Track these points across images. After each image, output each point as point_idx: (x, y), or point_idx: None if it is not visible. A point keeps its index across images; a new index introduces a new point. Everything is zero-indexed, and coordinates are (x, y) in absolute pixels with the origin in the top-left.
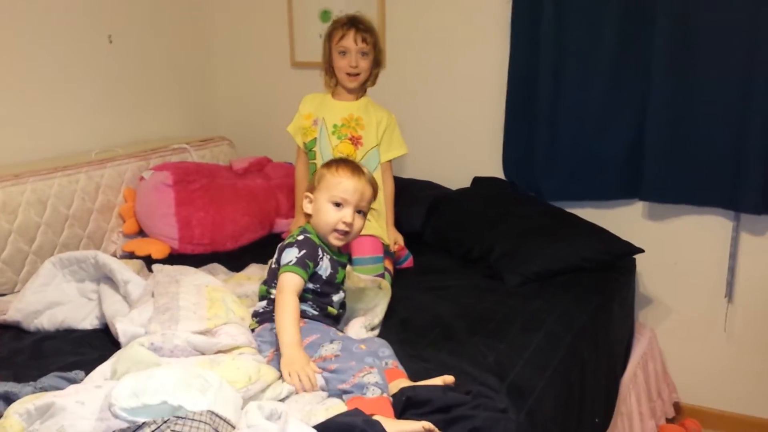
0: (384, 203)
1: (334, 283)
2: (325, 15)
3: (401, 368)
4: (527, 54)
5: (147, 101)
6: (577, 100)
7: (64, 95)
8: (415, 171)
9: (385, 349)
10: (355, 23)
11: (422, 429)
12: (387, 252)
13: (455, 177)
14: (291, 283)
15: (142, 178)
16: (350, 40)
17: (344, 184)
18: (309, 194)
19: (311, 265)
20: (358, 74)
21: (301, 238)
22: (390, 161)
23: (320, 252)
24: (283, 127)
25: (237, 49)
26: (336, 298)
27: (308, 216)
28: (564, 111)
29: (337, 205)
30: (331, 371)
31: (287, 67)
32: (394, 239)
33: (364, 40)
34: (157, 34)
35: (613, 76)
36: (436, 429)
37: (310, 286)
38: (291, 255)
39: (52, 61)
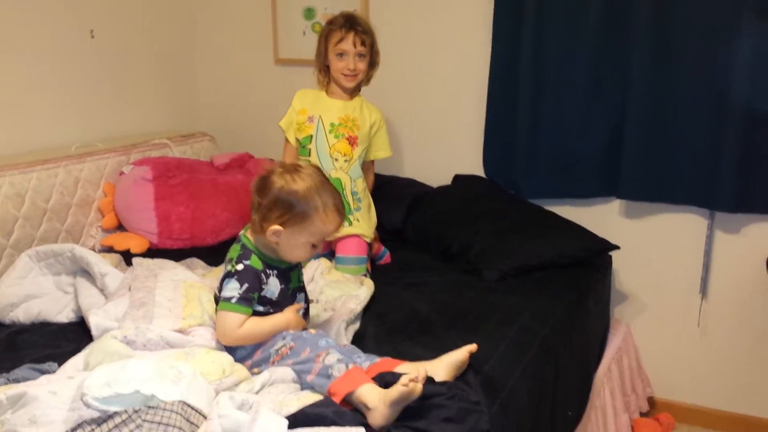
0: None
1: (289, 295)
2: (308, 12)
3: (391, 358)
4: (508, 53)
5: (128, 96)
6: (557, 99)
7: (45, 89)
8: (397, 168)
9: (359, 354)
10: (353, 25)
11: (403, 389)
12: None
13: (436, 175)
14: (232, 324)
15: (121, 173)
16: (349, 43)
17: (329, 229)
18: (279, 228)
19: (255, 296)
20: (355, 75)
21: (240, 268)
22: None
23: (264, 276)
24: (265, 124)
25: (220, 45)
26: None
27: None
28: (544, 110)
29: (314, 246)
30: (292, 366)
31: (270, 63)
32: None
33: (363, 43)
34: (139, 29)
35: (592, 76)
36: (417, 381)
37: (261, 309)
38: (232, 290)
39: (33, 55)
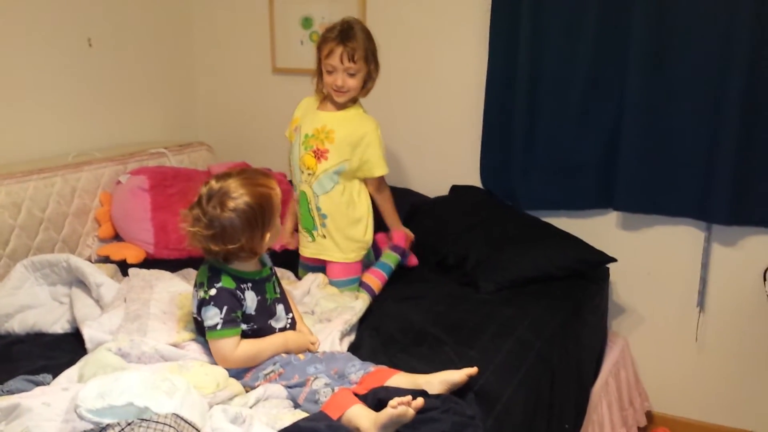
0: (382, 213)
1: (267, 307)
2: (306, 22)
3: (387, 367)
4: (505, 64)
5: (126, 105)
6: (553, 111)
7: (43, 98)
8: (394, 178)
9: (355, 362)
10: (344, 39)
11: (393, 412)
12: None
13: (433, 185)
14: (228, 348)
15: (118, 182)
16: (336, 59)
17: (278, 190)
18: (268, 235)
19: (238, 313)
20: (345, 92)
21: (214, 293)
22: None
23: (239, 292)
24: (263, 133)
25: (218, 54)
26: (276, 321)
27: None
28: (540, 122)
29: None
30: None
31: (268, 73)
32: (405, 233)
33: (351, 59)
34: (137, 39)
35: (588, 88)
36: (408, 405)
37: (245, 327)
38: (214, 318)
39: (31, 64)
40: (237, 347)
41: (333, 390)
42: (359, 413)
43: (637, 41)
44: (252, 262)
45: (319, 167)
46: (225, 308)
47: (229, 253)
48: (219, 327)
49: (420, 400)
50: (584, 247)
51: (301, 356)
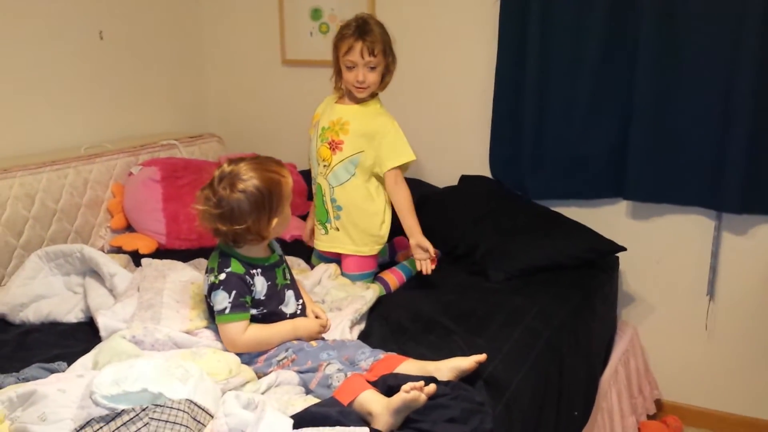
0: (397, 213)
1: (277, 292)
2: (315, 13)
3: (396, 354)
4: (514, 55)
5: (137, 97)
6: (563, 101)
7: (55, 91)
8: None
9: (365, 350)
10: (363, 34)
11: (406, 396)
12: (403, 267)
13: (443, 175)
14: (235, 332)
15: (130, 174)
16: (357, 55)
17: (291, 183)
18: (276, 220)
19: (247, 298)
20: (366, 87)
21: (223, 277)
22: (397, 169)
23: (248, 277)
24: (273, 124)
25: (228, 46)
26: (286, 306)
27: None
28: (550, 112)
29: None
30: (296, 372)
31: (278, 64)
32: (424, 245)
33: (371, 53)
34: (147, 31)
35: (598, 77)
36: (421, 390)
37: (255, 312)
38: (222, 302)
39: (43, 57)
40: (245, 331)
41: (346, 375)
42: (371, 398)
43: (647, 31)
44: (261, 247)
45: (334, 158)
46: (234, 293)
47: (237, 234)
48: (227, 311)
49: (432, 386)
50: (594, 237)
51: (313, 343)
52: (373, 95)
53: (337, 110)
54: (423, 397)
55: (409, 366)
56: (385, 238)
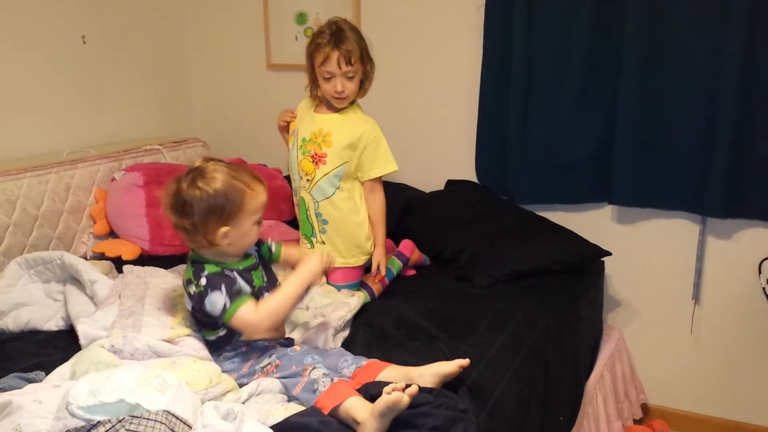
0: (370, 219)
1: (255, 293)
2: (300, 17)
3: (379, 360)
4: (499, 59)
5: (121, 102)
6: (548, 105)
7: (37, 95)
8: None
9: (347, 357)
10: (338, 43)
11: (389, 398)
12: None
13: (429, 180)
14: (249, 314)
15: (113, 179)
16: (334, 65)
17: (262, 199)
18: (226, 229)
19: (238, 284)
20: (345, 97)
21: (204, 282)
22: (377, 179)
23: (228, 272)
24: (258, 129)
25: (212, 50)
26: None
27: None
28: (535, 116)
29: (258, 222)
30: (280, 378)
31: (263, 68)
32: (377, 262)
33: (348, 62)
34: (131, 35)
35: (582, 82)
36: (402, 391)
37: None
38: (219, 301)
39: (25, 61)
40: (257, 310)
41: (332, 380)
42: (357, 405)
43: (632, 36)
44: (233, 254)
45: (318, 172)
46: (223, 286)
47: (183, 229)
48: (228, 305)
49: (414, 387)
50: (579, 241)
51: (297, 348)
52: (351, 102)
53: (318, 120)
54: (406, 398)
55: (391, 372)
56: (372, 248)
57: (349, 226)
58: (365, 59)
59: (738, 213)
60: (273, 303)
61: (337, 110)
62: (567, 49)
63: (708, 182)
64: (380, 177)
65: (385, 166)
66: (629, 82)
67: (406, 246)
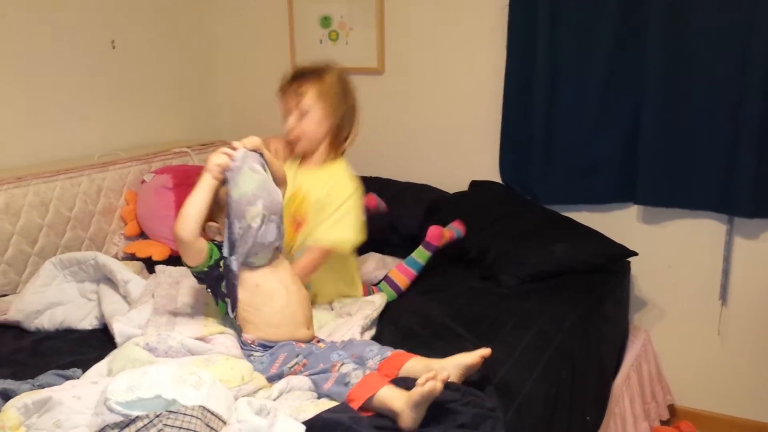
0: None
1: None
2: (325, 21)
3: (404, 351)
4: (524, 60)
5: (149, 106)
6: (573, 105)
7: (68, 99)
8: (414, 174)
9: (373, 347)
10: (294, 78)
11: (422, 389)
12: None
13: (453, 180)
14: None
15: (143, 181)
16: (285, 100)
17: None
18: (214, 223)
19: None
20: (299, 137)
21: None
22: (326, 251)
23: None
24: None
25: (238, 54)
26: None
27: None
28: (559, 116)
29: None
30: (309, 375)
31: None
32: (441, 233)
33: (298, 94)
34: (159, 40)
35: (607, 81)
36: (434, 378)
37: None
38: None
39: (56, 66)
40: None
41: (364, 372)
42: (392, 394)
43: (657, 34)
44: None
45: (299, 238)
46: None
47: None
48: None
49: (446, 373)
50: (605, 241)
51: (321, 345)
52: (339, 154)
53: (298, 178)
54: (439, 385)
55: (415, 363)
56: (361, 294)
57: (336, 285)
58: (333, 101)
59: (765, 213)
60: (183, 210)
61: (317, 164)
62: (592, 49)
63: (735, 182)
64: (329, 250)
65: (345, 235)
66: (655, 82)
67: (433, 235)
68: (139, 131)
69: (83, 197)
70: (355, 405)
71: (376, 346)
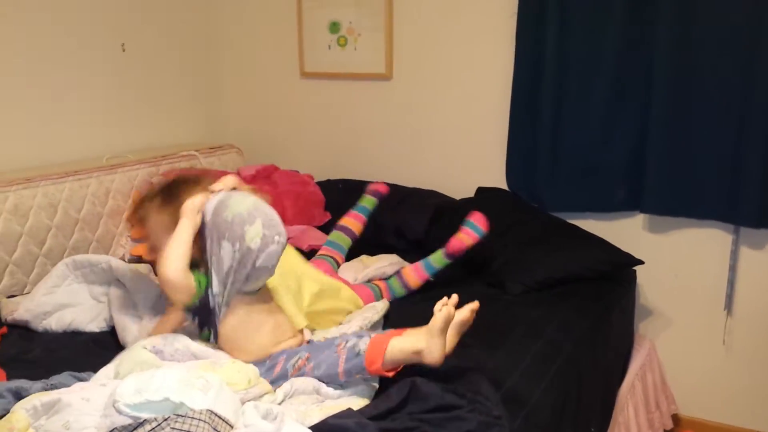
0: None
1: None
2: (334, 26)
3: (379, 334)
4: (531, 67)
5: (158, 109)
6: (579, 113)
7: (78, 102)
8: (420, 180)
9: (362, 334)
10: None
11: (440, 315)
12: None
13: (459, 187)
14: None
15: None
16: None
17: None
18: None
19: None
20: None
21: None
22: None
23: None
24: (291, 136)
25: (247, 59)
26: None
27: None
28: (566, 124)
29: None
30: (315, 368)
31: (296, 77)
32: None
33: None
34: (169, 43)
35: (614, 90)
36: (446, 303)
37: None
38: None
39: (66, 68)
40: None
41: (370, 337)
42: (406, 339)
43: (665, 42)
44: None
45: None
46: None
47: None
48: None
49: (454, 297)
50: (611, 249)
51: (322, 338)
52: None
53: None
54: (451, 308)
55: (399, 341)
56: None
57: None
58: (148, 216)
59: None
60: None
61: None
62: (599, 56)
63: (741, 191)
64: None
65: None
66: (662, 90)
67: (454, 246)
68: (147, 134)
69: (92, 199)
70: (376, 367)
71: (365, 333)
